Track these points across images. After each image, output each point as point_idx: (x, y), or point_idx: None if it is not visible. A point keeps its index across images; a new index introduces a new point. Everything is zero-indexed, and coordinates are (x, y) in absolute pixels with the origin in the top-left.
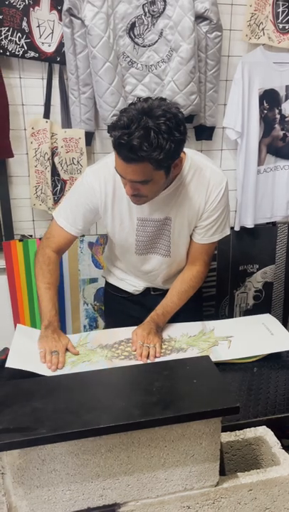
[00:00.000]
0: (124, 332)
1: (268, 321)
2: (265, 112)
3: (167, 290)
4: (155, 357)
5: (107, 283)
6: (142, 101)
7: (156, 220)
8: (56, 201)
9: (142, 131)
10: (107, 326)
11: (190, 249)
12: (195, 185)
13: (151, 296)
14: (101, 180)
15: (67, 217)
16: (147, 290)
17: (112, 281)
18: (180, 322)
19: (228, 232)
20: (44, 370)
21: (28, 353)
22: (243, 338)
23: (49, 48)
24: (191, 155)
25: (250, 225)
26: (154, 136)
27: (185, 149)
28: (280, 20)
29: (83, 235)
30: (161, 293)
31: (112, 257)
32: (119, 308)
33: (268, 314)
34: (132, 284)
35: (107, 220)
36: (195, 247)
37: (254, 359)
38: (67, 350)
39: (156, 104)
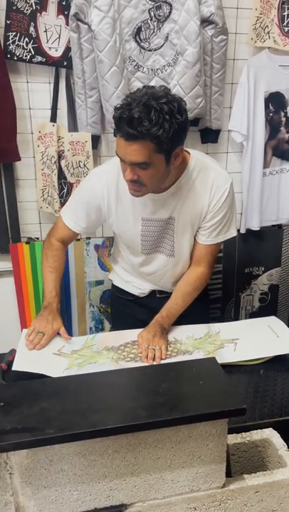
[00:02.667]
0: (130, 334)
1: (273, 323)
2: (271, 114)
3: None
4: (161, 359)
5: (113, 285)
6: (147, 87)
7: (160, 219)
8: (63, 204)
9: (142, 107)
10: (114, 328)
11: (194, 250)
12: (199, 186)
13: (157, 299)
14: (103, 182)
15: (71, 216)
16: (153, 293)
17: (118, 283)
18: (187, 324)
19: (233, 233)
20: (51, 371)
21: (34, 355)
22: (248, 340)
23: (56, 53)
24: (197, 156)
25: (256, 227)
26: (155, 113)
27: (190, 150)
28: (285, 24)
29: (89, 237)
30: (167, 295)
31: (118, 259)
32: (126, 310)
33: (273, 316)
34: (137, 286)
35: (112, 221)
36: (199, 248)
37: (260, 361)
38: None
39: (161, 90)
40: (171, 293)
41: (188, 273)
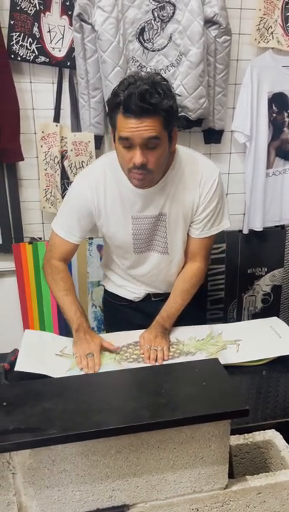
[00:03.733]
0: (133, 335)
1: (275, 324)
2: (274, 115)
3: (168, 294)
4: (163, 360)
5: (106, 291)
6: (137, 72)
7: (150, 216)
8: None
9: (151, 83)
10: None
11: (189, 245)
12: (187, 180)
13: (152, 303)
14: (91, 184)
15: (63, 226)
16: (148, 296)
17: (111, 288)
18: (184, 322)
19: (227, 224)
20: (53, 372)
21: (37, 356)
22: (251, 341)
23: (59, 53)
24: (182, 149)
25: (258, 228)
26: (162, 87)
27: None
28: None
29: (92, 238)
30: (162, 298)
31: (109, 264)
32: (120, 316)
33: (275, 317)
34: (131, 290)
35: (102, 222)
36: (194, 243)
37: (263, 362)
38: (105, 349)
39: (154, 74)
40: (166, 294)
41: (185, 270)
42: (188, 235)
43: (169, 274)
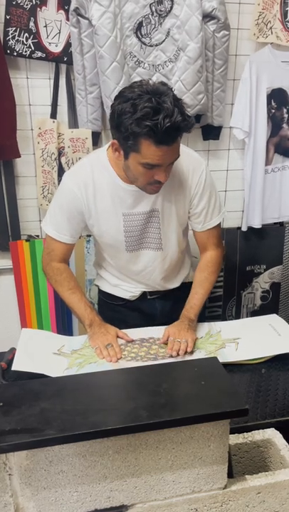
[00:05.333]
0: (131, 334)
1: (274, 322)
2: (273, 111)
3: (164, 292)
4: (185, 352)
5: (100, 291)
6: (144, 84)
7: (142, 212)
8: None
9: (177, 109)
10: None
11: (196, 240)
12: (176, 174)
13: (148, 301)
14: (80, 182)
15: (54, 227)
16: (144, 295)
17: (106, 288)
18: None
19: (224, 211)
20: (51, 371)
21: (34, 355)
22: (250, 339)
23: (56, 48)
24: None
25: (257, 225)
26: (183, 109)
27: None
28: (288, 19)
29: (90, 235)
30: (158, 296)
31: (102, 263)
32: (116, 316)
33: (274, 315)
34: (127, 289)
35: (92, 221)
36: (200, 236)
37: (262, 360)
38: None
39: (157, 84)
40: (162, 292)
41: (200, 262)
42: (193, 231)
43: (163, 270)
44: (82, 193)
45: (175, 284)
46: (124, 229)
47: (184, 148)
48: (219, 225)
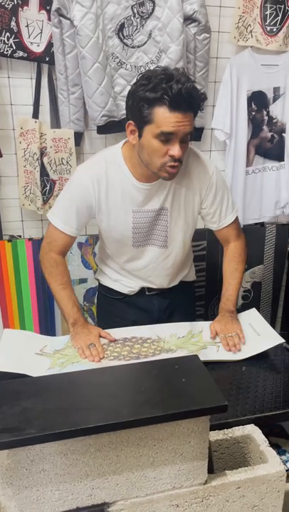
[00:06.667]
0: (113, 334)
1: (253, 320)
2: (254, 113)
3: (162, 289)
4: (240, 344)
5: (100, 285)
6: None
7: (151, 210)
8: (45, 201)
9: (189, 80)
10: None
11: (217, 236)
12: (188, 173)
13: (146, 297)
14: (93, 177)
15: (61, 218)
16: (142, 290)
17: (106, 282)
18: (175, 316)
19: (237, 207)
20: (33, 371)
21: (16, 355)
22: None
23: (38, 48)
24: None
25: None
26: (192, 80)
27: None
28: (267, 23)
29: None
30: (156, 293)
31: (104, 258)
32: (113, 310)
33: (253, 309)
34: (126, 284)
35: (101, 216)
36: (220, 233)
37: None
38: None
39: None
40: (160, 289)
41: (225, 255)
42: (212, 230)
43: (165, 268)
44: (95, 188)
45: (174, 282)
46: (132, 225)
47: (192, 150)
48: (236, 218)
